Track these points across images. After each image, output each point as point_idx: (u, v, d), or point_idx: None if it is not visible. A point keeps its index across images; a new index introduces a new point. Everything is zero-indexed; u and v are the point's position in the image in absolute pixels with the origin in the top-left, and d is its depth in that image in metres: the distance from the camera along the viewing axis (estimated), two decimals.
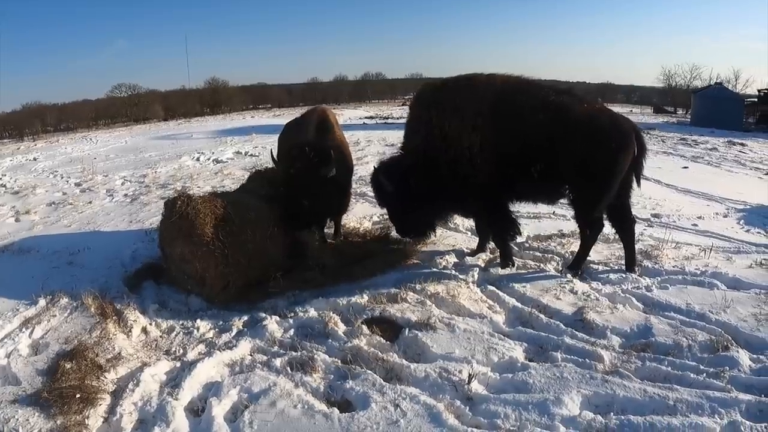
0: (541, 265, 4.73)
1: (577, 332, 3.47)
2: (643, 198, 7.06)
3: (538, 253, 5.02)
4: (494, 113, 4.26)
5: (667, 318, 3.63)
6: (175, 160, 12.06)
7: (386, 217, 5.42)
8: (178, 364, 3.26)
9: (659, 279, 4.31)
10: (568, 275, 4.38)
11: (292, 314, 3.86)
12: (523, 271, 4.60)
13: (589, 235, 4.51)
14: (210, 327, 3.79)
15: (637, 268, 4.51)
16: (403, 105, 33.69)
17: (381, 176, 4.62)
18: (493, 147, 4.27)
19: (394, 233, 5.22)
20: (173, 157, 12.71)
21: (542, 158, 4.19)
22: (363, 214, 6.54)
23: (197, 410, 2.84)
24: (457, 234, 5.71)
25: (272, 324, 3.71)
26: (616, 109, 5.58)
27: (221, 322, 3.85)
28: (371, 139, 14.65)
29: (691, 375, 2.93)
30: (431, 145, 4.40)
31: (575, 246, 4.83)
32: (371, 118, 23.97)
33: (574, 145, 4.10)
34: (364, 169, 8.78)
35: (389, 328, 3.63)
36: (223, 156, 12.47)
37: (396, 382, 2.97)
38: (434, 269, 4.62)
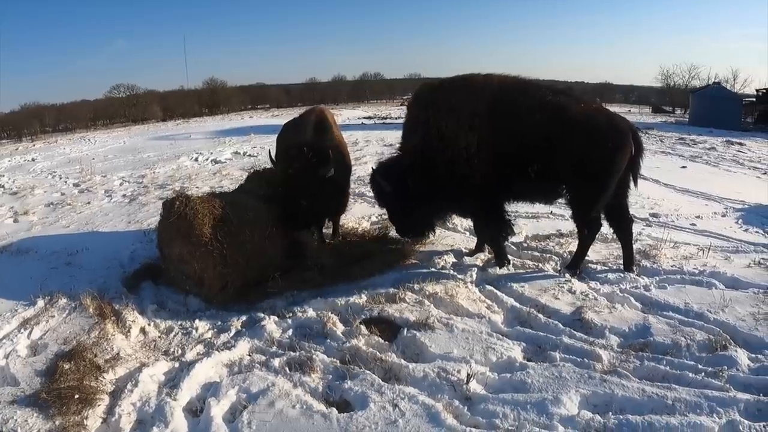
0: (540, 264, 4.73)
1: (575, 332, 3.48)
2: (641, 197, 7.08)
3: (536, 253, 5.02)
4: (491, 113, 4.26)
5: (666, 317, 3.63)
6: (173, 161, 12.03)
7: (385, 217, 5.43)
8: (177, 365, 3.26)
9: (657, 278, 4.32)
10: (567, 275, 4.39)
11: (291, 314, 3.86)
12: (521, 271, 4.60)
13: (587, 234, 4.52)
14: (208, 327, 3.79)
15: (635, 268, 4.52)
16: (401, 105, 33.66)
17: (379, 177, 4.63)
18: (491, 147, 4.27)
19: (392, 233, 5.23)
20: (171, 157, 12.69)
21: (539, 158, 4.19)
22: (361, 214, 6.53)
23: (196, 410, 2.84)
24: (455, 234, 5.70)
25: (271, 324, 3.71)
26: (615, 108, 5.59)
27: (220, 323, 3.84)
28: (370, 139, 14.65)
29: (690, 374, 2.93)
30: (429, 146, 4.40)
31: (573, 246, 4.84)
32: (370, 118, 23.97)
33: (572, 145, 4.10)
34: (362, 169, 8.79)
35: (388, 328, 3.63)
36: (222, 156, 12.45)
37: (394, 382, 2.97)
38: (432, 269, 4.62)
